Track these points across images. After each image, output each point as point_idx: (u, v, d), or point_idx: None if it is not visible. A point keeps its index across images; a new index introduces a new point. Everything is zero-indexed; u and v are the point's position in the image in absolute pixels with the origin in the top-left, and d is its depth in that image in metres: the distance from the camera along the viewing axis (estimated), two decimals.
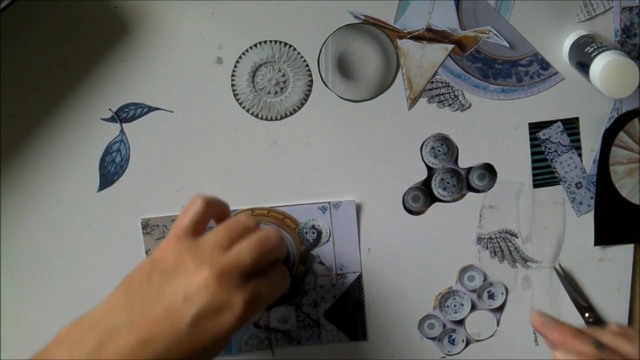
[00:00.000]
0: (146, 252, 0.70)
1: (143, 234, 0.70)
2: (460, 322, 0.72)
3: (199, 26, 0.67)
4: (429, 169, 0.69)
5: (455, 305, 0.72)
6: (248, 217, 0.60)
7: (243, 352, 0.72)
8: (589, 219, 0.70)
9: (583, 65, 0.63)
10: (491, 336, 0.72)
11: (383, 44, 0.67)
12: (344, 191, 0.69)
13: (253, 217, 0.64)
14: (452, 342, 0.73)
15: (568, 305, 0.71)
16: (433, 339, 0.72)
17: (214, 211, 0.61)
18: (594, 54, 0.61)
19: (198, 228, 0.59)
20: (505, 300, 0.71)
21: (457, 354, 0.72)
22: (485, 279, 0.71)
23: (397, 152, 0.69)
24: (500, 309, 0.72)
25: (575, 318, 0.71)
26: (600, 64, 0.60)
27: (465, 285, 0.72)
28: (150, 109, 0.68)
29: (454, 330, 0.72)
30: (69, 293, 0.70)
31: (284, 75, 0.68)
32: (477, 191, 0.70)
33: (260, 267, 0.58)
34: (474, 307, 0.72)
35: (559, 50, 0.67)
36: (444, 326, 0.72)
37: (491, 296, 0.72)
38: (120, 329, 0.54)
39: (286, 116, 0.68)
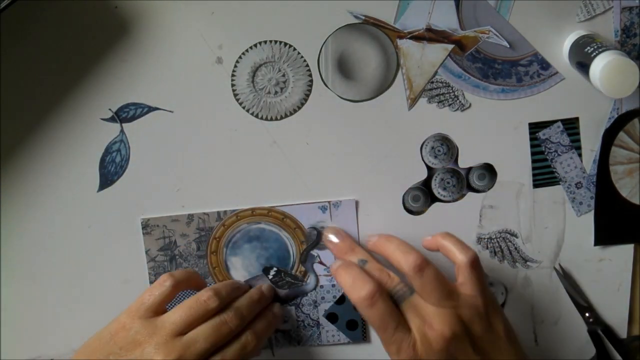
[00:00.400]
0: (146, 252, 0.70)
1: (143, 234, 0.70)
2: None
3: (199, 26, 0.67)
4: (429, 169, 0.69)
5: None
6: (210, 295, 0.63)
7: None
8: (589, 219, 0.70)
9: (583, 65, 0.63)
10: None
11: (383, 44, 0.67)
12: (343, 191, 0.69)
13: (220, 289, 0.64)
14: None
15: (568, 306, 0.71)
16: None
17: (183, 288, 0.65)
18: (594, 54, 0.61)
19: (160, 307, 0.63)
20: (505, 300, 0.71)
21: None
22: None
23: (397, 152, 0.69)
24: None
25: (575, 318, 0.71)
26: (600, 64, 0.60)
27: None
28: (150, 109, 0.68)
29: None
30: (69, 293, 0.70)
31: (284, 75, 0.68)
32: (477, 191, 0.70)
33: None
34: None
35: (559, 50, 0.67)
36: None
37: None
38: None
39: (286, 116, 0.68)
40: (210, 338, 0.61)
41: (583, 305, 0.70)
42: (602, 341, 0.70)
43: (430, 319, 0.60)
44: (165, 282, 0.63)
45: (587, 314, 0.70)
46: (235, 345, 0.62)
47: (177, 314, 0.61)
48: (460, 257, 0.63)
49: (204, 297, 0.62)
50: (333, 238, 0.68)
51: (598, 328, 0.70)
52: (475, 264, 0.63)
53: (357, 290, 0.61)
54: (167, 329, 0.61)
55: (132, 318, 0.62)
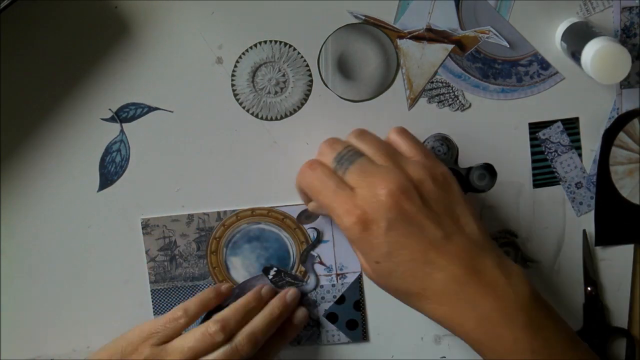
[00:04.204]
0: (146, 252, 0.70)
1: (143, 234, 0.70)
2: None
3: (199, 26, 0.67)
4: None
5: None
6: (216, 330, 0.62)
7: None
8: (589, 219, 0.70)
9: (574, 54, 0.63)
10: None
11: (383, 44, 0.67)
12: None
13: (229, 320, 0.64)
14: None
15: (568, 306, 0.71)
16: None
17: (197, 318, 0.65)
18: (585, 41, 0.61)
19: (172, 338, 0.64)
20: None
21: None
22: None
23: None
24: None
25: (575, 318, 0.71)
26: (591, 51, 0.60)
27: None
28: (150, 109, 0.68)
29: None
30: (69, 293, 0.70)
31: (284, 75, 0.68)
32: (477, 191, 0.70)
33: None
34: None
35: (558, 49, 0.67)
36: None
37: None
38: None
39: (286, 116, 0.68)
40: None
41: (591, 278, 0.70)
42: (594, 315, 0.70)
43: (377, 177, 0.56)
44: (179, 320, 0.64)
45: (589, 288, 0.70)
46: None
47: (186, 345, 0.62)
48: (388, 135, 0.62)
49: (211, 330, 0.63)
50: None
51: (595, 305, 0.70)
52: (402, 130, 0.62)
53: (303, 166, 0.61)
54: (176, 358, 0.62)
55: (145, 344, 0.63)
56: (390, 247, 0.55)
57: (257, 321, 0.65)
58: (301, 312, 0.69)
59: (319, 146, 0.62)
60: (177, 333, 0.64)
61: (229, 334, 0.63)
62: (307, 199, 0.64)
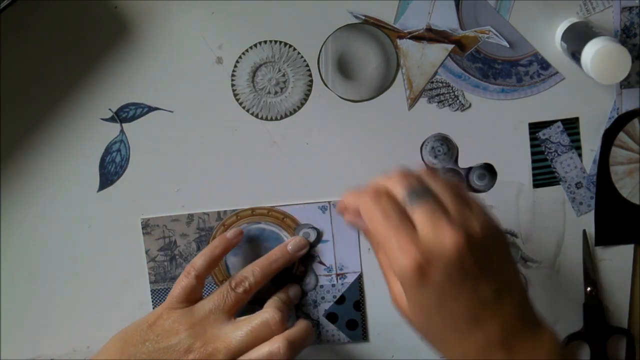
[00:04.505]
0: (146, 252, 0.70)
1: (143, 233, 0.70)
2: None
3: (199, 26, 0.67)
4: (429, 169, 0.69)
5: None
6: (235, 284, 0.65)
7: None
8: (589, 219, 0.70)
9: (574, 54, 0.63)
10: None
11: (383, 44, 0.67)
12: (343, 191, 0.69)
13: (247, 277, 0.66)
14: None
15: (568, 306, 0.71)
16: None
17: (208, 274, 0.67)
18: (585, 41, 0.61)
19: (191, 296, 0.65)
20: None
21: None
22: None
23: (397, 152, 0.69)
24: None
25: (575, 318, 0.71)
26: (591, 51, 0.60)
27: None
28: (150, 109, 0.68)
29: None
30: (69, 293, 0.70)
31: (284, 75, 0.68)
32: (477, 191, 0.70)
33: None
34: None
35: (558, 49, 0.67)
36: None
37: None
38: None
39: (286, 116, 0.68)
40: (248, 339, 0.62)
41: (591, 278, 0.70)
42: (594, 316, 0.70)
43: (445, 222, 0.53)
44: (190, 274, 0.65)
45: (589, 288, 0.70)
46: (265, 348, 0.62)
47: (208, 305, 0.64)
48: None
49: (232, 285, 0.65)
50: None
51: (595, 305, 0.70)
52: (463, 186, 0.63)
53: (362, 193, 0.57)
54: (201, 317, 0.63)
55: (168, 309, 0.64)
56: (441, 297, 0.53)
57: (285, 299, 0.67)
58: (294, 288, 0.70)
59: (390, 172, 0.58)
60: (192, 289, 0.65)
61: (248, 287, 0.65)
62: (352, 217, 0.60)
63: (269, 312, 0.63)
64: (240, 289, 0.64)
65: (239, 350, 0.62)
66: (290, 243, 0.69)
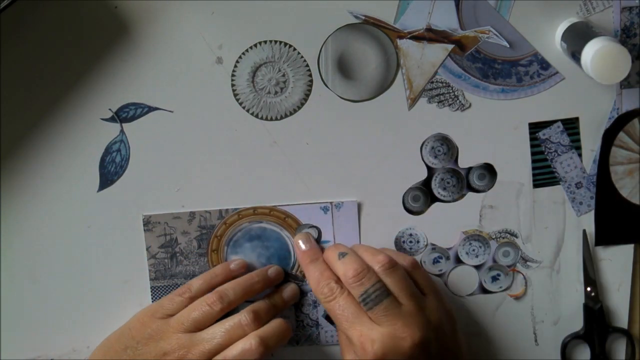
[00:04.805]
0: (147, 249, 0.70)
1: (144, 230, 0.70)
2: None
3: (199, 26, 0.67)
4: (429, 169, 0.69)
5: None
6: (214, 300, 0.65)
7: None
8: (589, 219, 0.70)
9: (574, 54, 0.63)
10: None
11: (383, 44, 0.67)
12: (343, 191, 0.69)
13: (227, 291, 0.66)
14: None
15: (567, 306, 0.71)
16: None
17: (202, 296, 0.67)
18: (585, 41, 0.61)
19: (176, 312, 0.66)
20: (526, 290, 0.71)
21: None
22: None
23: (397, 152, 0.69)
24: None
25: (575, 319, 0.71)
26: (591, 51, 0.60)
27: None
28: (150, 109, 0.68)
29: None
30: (69, 293, 0.70)
31: (284, 75, 0.68)
32: (477, 191, 0.70)
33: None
34: None
35: (558, 49, 0.67)
36: None
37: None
38: None
39: (286, 116, 0.68)
40: (221, 340, 0.63)
41: (591, 278, 0.70)
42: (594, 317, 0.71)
43: (400, 322, 0.61)
44: (184, 294, 0.66)
45: (589, 288, 0.70)
46: (238, 346, 0.63)
47: (186, 315, 0.65)
48: (403, 263, 0.65)
49: (209, 301, 0.65)
50: (302, 244, 0.68)
51: (595, 305, 0.70)
52: (418, 265, 0.67)
53: (321, 284, 0.64)
54: (179, 327, 0.64)
55: (151, 318, 0.66)
56: None
57: (260, 303, 0.67)
58: (290, 288, 0.70)
59: (345, 262, 0.64)
60: (181, 308, 0.66)
61: (227, 304, 0.65)
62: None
63: (241, 313, 0.64)
64: (216, 308, 0.65)
65: (214, 350, 0.63)
66: (270, 270, 0.69)
